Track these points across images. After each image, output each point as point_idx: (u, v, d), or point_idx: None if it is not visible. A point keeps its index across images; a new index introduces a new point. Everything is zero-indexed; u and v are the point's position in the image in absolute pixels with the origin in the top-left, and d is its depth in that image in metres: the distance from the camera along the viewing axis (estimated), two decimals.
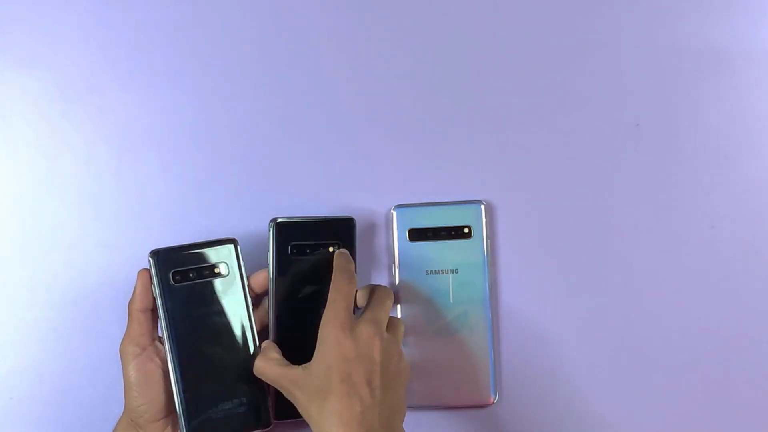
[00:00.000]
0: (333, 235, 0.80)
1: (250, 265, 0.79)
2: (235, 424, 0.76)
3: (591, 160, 0.85)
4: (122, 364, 0.74)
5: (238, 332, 0.76)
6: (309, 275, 0.78)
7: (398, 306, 0.82)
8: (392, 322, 0.76)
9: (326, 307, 0.73)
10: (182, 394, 0.74)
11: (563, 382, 0.83)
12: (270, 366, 0.74)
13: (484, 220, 0.83)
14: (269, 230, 0.78)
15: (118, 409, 0.76)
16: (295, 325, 0.77)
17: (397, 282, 0.83)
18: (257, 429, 0.77)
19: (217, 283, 0.76)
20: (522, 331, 0.84)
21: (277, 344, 0.77)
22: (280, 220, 0.78)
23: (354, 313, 0.74)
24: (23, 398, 0.82)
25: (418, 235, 0.83)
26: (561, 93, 0.86)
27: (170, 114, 0.85)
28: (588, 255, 0.84)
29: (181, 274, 0.75)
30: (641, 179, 0.85)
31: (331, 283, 0.74)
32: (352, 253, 0.79)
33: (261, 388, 0.76)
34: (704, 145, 0.86)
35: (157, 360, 0.75)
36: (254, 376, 0.76)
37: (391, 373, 0.72)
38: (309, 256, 0.78)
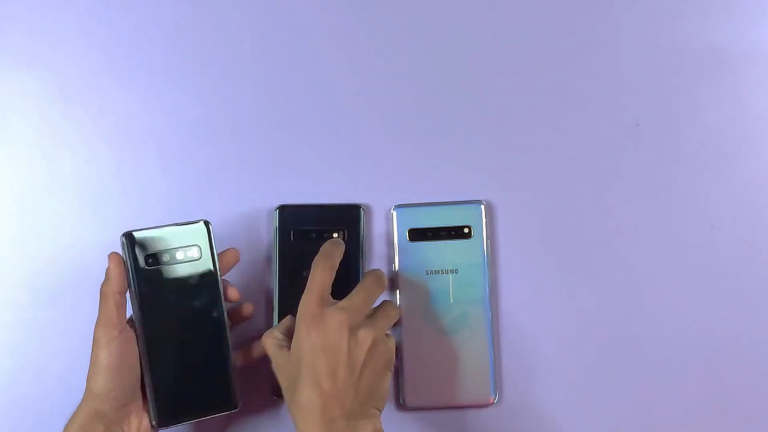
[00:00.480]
0: (339, 222, 0.80)
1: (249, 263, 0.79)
2: (204, 406, 0.76)
3: (591, 160, 0.85)
4: (94, 349, 0.72)
5: (208, 314, 0.75)
6: (312, 261, 0.78)
7: (398, 304, 0.82)
8: (383, 306, 0.76)
9: (302, 296, 0.72)
10: (152, 377, 0.74)
11: (563, 382, 0.83)
12: (269, 344, 0.74)
13: (484, 220, 0.83)
14: (274, 215, 0.79)
15: None
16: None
17: (397, 282, 0.83)
18: (225, 411, 0.76)
19: (189, 265, 0.75)
20: (522, 331, 0.84)
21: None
22: (284, 205, 0.79)
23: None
24: (23, 398, 0.82)
25: (418, 235, 0.83)
26: (561, 93, 0.86)
27: (170, 114, 0.85)
28: (588, 255, 0.84)
29: (152, 257, 0.74)
30: (641, 179, 0.85)
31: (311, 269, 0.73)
32: (359, 242, 0.78)
33: (229, 370, 0.76)
34: (704, 145, 0.86)
35: (131, 344, 0.73)
36: (222, 359, 0.75)
37: (360, 361, 0.71)
38: (313, 242, 0.78)
